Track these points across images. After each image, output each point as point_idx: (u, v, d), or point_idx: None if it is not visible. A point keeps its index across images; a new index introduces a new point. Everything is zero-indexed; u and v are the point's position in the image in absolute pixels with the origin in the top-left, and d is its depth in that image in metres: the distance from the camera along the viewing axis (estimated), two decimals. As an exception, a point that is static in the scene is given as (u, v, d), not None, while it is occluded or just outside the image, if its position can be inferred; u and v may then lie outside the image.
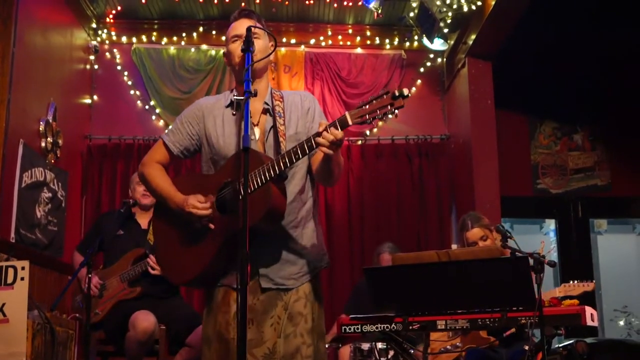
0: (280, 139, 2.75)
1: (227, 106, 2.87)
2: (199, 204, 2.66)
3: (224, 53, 2.97)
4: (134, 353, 4.45)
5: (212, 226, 2.68)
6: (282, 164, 2.55)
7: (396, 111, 2.42)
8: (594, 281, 4.03)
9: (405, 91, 2.40)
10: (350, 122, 2.45)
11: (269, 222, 2.63)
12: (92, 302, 4.62)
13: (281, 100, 2.87)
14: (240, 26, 2.79)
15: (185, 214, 2.69)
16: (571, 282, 4.02)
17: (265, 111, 2.84)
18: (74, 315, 4.97)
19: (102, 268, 4.88)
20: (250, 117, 2.65)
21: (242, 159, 2.40)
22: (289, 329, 2.71)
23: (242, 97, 2.54)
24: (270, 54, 2.84)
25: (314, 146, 2.51)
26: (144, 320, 4.39)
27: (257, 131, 2.81)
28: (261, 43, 2.82)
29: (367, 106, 2.44)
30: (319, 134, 2.48)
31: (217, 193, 2.70)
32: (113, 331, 4.64)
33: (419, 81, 7.46)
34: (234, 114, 2.82)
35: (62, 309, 5.07)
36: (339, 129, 2.45)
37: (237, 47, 2.78)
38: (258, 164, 2.58)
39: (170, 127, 3.01)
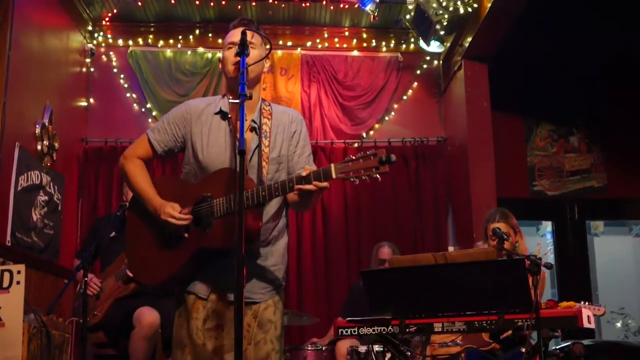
0: (263, 162, 2.77)
1: (216, 113, 2.86)
2: (175, 214, 2.68)
3: (219, 59, 2.97)
4: (139, 352, 4.44)
5: (186, 236, 2.71)
6: (261, 197, 2.59)
7: (378, 175, 2.46)
8: (605, 307, 4.04)
9: (393, 157, 2.44)
10: (334, 176, 2.49)
11: (245, 244, 2.64)
12: (89, 304, 4.62)
13: (269, 117, 2.87)
14: (237, 34, 2.77)
15: (160, 220, 2.72)
16: (582, 302, 4.03)
17: (251, 129, 2.83)
18: (71, 319, 4.96)
19: (100, 273, 4.88)
20: (237, 130, 2.64)
21: (230, 168, 2.42)
22: (259, 335, 2.76)
23: (236, 101, 2.55)
24: (264, 58, 2.83)
25: (294, 189, 2.55)
26: (149, 315, 4.43)
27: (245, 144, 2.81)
28: (256, 53, 2.82)
29: (352, 163, 2.47)
30: (303, 179, 2.52)
31: (194, 205, 2.72)
32: (114, 331, 4.63)
33: (415, 83, 7.46)
34: (223, 118, 2.83)
35: (58, 312, 5.06)
36: (322, 179, 2.50)
37: (231, 54, 2.78)
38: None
39: (156, 123, 3.00)
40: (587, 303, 4.05)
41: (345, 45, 7.45)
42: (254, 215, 2.65)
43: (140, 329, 4.41)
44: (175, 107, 2.99)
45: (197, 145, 2.82)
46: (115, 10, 7.04)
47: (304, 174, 2.51)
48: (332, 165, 2.49)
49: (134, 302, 4.62)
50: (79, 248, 5.77)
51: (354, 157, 2.48)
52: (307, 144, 2.95)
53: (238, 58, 2.69)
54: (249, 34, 2.73)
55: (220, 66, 2.96)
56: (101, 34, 7.23)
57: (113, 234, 4.83)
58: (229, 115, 2.83)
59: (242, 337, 2.32)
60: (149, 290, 4.68)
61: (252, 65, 2.75)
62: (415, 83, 7.47)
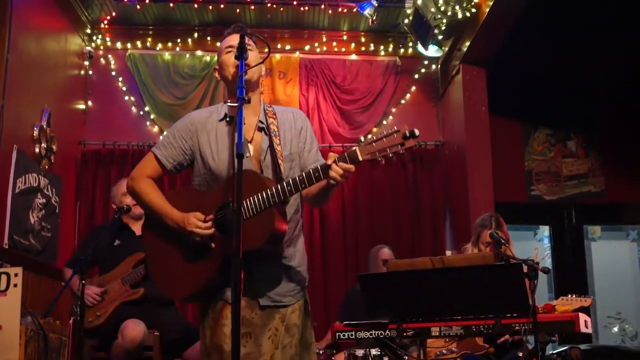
0: (279, 160, 2.75)
1: (221, 120, 2.85)
2: (201, 224, 2.65)
3: (215, 68, 2.96)
4: None
5: (213, 245, 2.68)
6: (287, 192, 2.57)
7: (404, 151, 2.44)
8: (592, 297, 4.03)
9: (416, 132, 2.41)
10: (360, 159, 2.47)
11: (272, 245, 2.65)
12: (94, 306, 4.61)
13: (274, 117, 2.86)
14: (234, 39, 2.78)
15: (185, 233, 2.68)
16: (569, 295, 4.03)
17: (259, 129, 2.83)
18: (75, 318, 4.91)
19: (99, 275, 4.86)
20: (244, 132, 2.64)
21: (236, 167, 2.39)
22: (286, 340, 2.74)
23: (235, 104, 2.54)
24: (264, 61, 2.84)
25: (322, 177, 2.52)
26: (133, 330, 4.36)
27: (251, 148, 2.79)
28: (254, 54, 2.83)
29: (377, 143, 2.45)
30: (328, 167, 2.49)
31: (216, 212, 2.69)
32: (107, 337, 4.61)
33: (413, 87, 7.47)
34: (229, 123, 2.81)
35: (55, 315, 5.05)
36: (348, 162, 2.48)
37: (230, 57, 2.77)
38: (261, 186, 2.59)
39: (160, 140, 2.96)
40: (574, 296, 4.04)
41: (343, 49, 7.46)
42: (280, 215, 2.63)
43: (123, 342, 4.37)
44: (180, 114, 2.99)
45: (206, 154, 2.80)
46: (113, 13, 7.04)
47: (329, 162, 2.49)
48: (357, 148, 2.47)
49: (132, 310, 4.59)
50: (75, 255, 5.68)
51: (375, 138, 2.46)
52: (314, 139, 2.95)
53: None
54: (245, 37, 2.73)
55: (216, 74, 2.95)
56: (100, 36, 7.23)
57: (117, 242, 4.81)
58: (234, 120, 2.79)
59: (239, 341, 2.30)
60: (152, 297, 4.67)
61: (252, 68, 2.74)
62: (414, 87, 7.47)
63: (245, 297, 2.68)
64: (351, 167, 2.47)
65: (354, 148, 2.48)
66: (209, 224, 2.65)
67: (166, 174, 2.92)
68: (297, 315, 2.80)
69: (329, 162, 2.49)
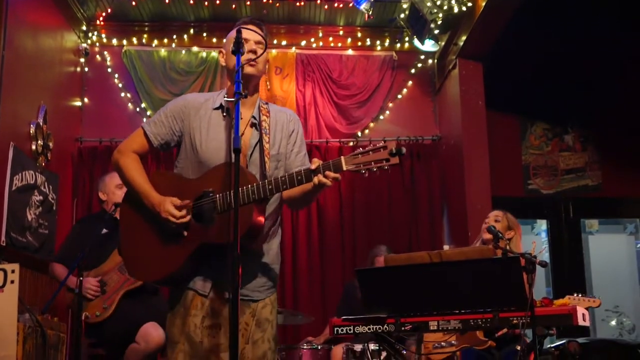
0: (266, 158, 2.76)
1: (216, 108, 2.85)
2: (175, 212, 2.64)
3: (220, 51, 2.94)
4: None
5: (185, 234, 2.68)
6: (267, 190, 2.57)
7: (388, 167, 2.46)
8: (600, 298, 4.03)
9: (403, 150, 2.44)
10: (344, 168, 2.48)
11: (249, 240, 2.64)
12: (96, 298, 4.59)
13: (268, 115, 2.87)
14: (249, 34, 2.79)
15: (160, 218, 2.68)
16: (575, 294, 4.03)
17: (252, 124, 2.83)
18: (86, 315, 4.84)
19: (91, 270, 4.84)
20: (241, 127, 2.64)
21: (231, 163, 2.41)
22: (257, 334, 2.76)
23: (232, 99, 2.54)
24: (259, 56, 2.82)
25: (304, 181, 2.53)
26: (157, 336, 4.37)
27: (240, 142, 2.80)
28: (264, 54, 2.84)
29: (362, 156, 2.46)
30: (311, 172, 2.50)
31: (195, 200, 2.69)
32: (111, 330, 4.56)
33: (410, 82, 7.47)
34: (224, 115, 2.81)
35: (53, 311, 5.04)
36: (332, 171, 2.49)
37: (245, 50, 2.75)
38: (242, 182, 2.57)
39: (153, 117, 2.94)
40: (580, 295, 4.04)
41: (339, 44, 7.45)
42: (258, 211, 2.63)
43: (145, 347, 4.36)
44: (172, 100, 2.95)
45: (196, 140, 2.80)
46: (109, 10, 7.03)
47: (313, 167, 2.50)
48: (342, 158, 2.48)
49: (132, 303, 4.57)
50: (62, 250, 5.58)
51: (363, 150, 2.48)
52: (304, 143, 2.98)
53: (253, 55, 2.74)
54: (259, 32, 2.79)
55: (222, 58, 2.92)
56: (95, 33, 7.22)
57: (105, 231, 4.76)
58: (231, 108, 2.78)
59: (238, 334, 2.31)
60: (148, 286, 4.65)
61: (261, 60, 2.79)
62: (410, 82, 7.47)
63: (215, 290, 2.72)
64: (336, 175, 2.49)
65: (339, 158, 2.50)
66: (184, 212, 2.65)
67: (152, 151, 2.92)
68: (268, 310, 2.81)
69: (313, 167, 2.50)
